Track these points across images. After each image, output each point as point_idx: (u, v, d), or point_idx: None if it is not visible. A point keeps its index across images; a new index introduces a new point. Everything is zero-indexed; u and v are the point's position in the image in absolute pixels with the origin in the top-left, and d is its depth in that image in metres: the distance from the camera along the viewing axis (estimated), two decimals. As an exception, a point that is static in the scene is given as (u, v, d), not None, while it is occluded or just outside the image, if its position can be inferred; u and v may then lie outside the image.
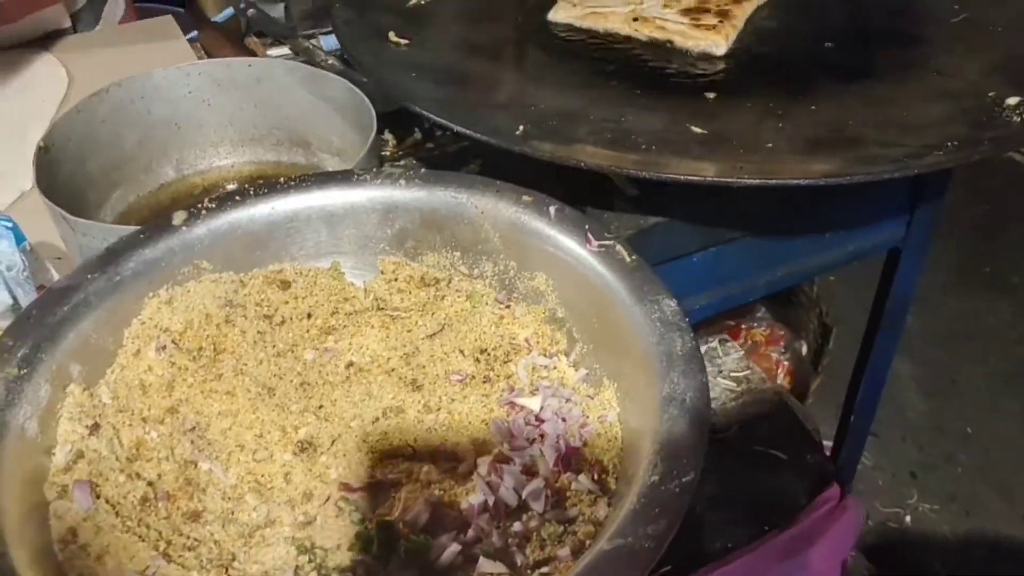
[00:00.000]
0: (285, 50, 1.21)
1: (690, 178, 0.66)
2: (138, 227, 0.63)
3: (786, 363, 1.83)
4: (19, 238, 0.63)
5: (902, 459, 2.10)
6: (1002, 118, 0.72)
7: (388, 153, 1.00)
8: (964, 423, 2.18)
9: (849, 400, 1.23)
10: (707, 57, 0.87)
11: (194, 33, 1.20)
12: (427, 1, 0.97)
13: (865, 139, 0.71)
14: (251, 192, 0.66)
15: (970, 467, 2.07)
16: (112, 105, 0.81)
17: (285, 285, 0.66)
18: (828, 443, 1.57)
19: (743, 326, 1.84)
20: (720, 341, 0.80)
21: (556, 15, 0.96)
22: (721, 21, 0.89)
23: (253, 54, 1.18)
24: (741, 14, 0.92)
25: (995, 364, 2.33)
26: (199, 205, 0.64)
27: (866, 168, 0.65)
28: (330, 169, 0.89)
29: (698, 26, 0.88)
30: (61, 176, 0.76)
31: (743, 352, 0.78)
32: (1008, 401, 2.23)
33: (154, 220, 0.63)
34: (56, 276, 0.70)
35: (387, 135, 1.00)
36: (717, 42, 0.86)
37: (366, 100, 0.79)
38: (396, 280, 0.67)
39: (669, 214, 0.80)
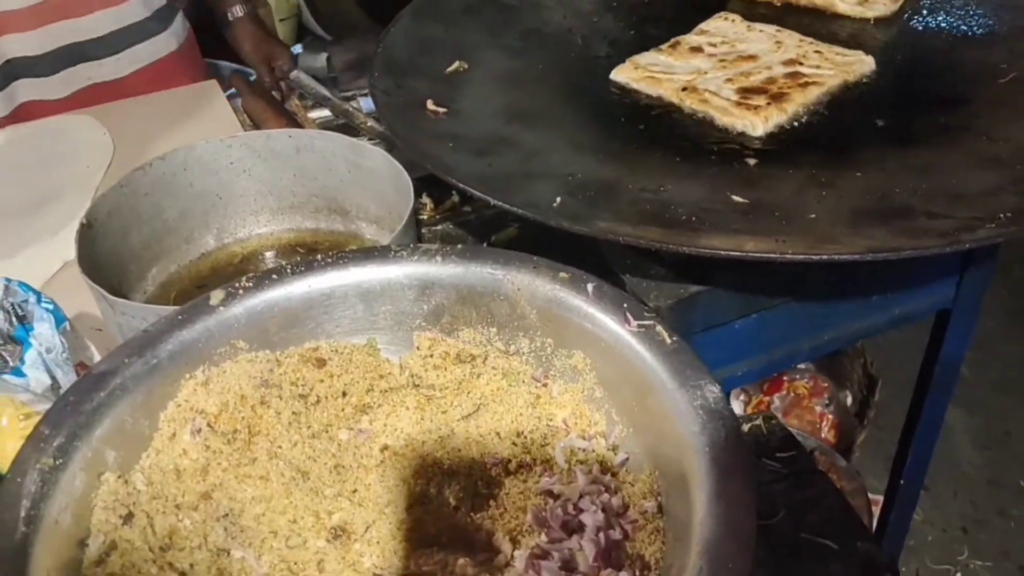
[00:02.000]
0: (325, 112, 1.23)
1: (731, 254, 0.64)
2: (176, 308, 0.63)
3: (830, 416, 1.79)
4: (59, 320, 0.64)
5: (954, 513, 2.03)
6: (1055, 186, 0.69)
7: (425, 216, 1.00)
8: (1018, 477, 2.11)
9: (899, 461, 1.19)
10: (745, 136, 0.85)
11: (231, 92, 1.22)
12: (465, 68, 0.98)
13: (913, 209, 0.69)
14: (288, 271, 0.66)
15: None
16: (155, 178, 0.82)
17: (320, 363, 0.65)
18: (877, 497, 1.52)
19: (785, 378, 1.81)
20: (764, 419, 0.78)
21: (618, 75, 0.96)
22: (769, 103, 0.86)
23: (294, 116, 1.20)
24: (799, 99, 0.87)
25: (1052, 414, 2.25)
26: (236, 284, 0.64)
27: (914, 242, 0.63)
28: (368, 236, 0.90)
29: (741, 104, 0.87)
30: (103, 251, 0.77)
31: (789, 432, 0.76)
32: (1065, 454, 2.14)
33: (192, 301, 0.64)
34: (95, 353, 0.70)
35: (425, 199, 1.01)
36: (754, 123, 0.84)
37: (403, 170, 0.79)
38: (432, 356, 0.67)
39: (711, 283, 0.79)
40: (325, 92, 1.22)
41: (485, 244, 0.95)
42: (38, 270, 0.91)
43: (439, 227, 0.98)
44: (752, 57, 0.95)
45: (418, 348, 0.67)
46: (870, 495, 1.68)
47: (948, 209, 0.68)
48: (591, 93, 0.95)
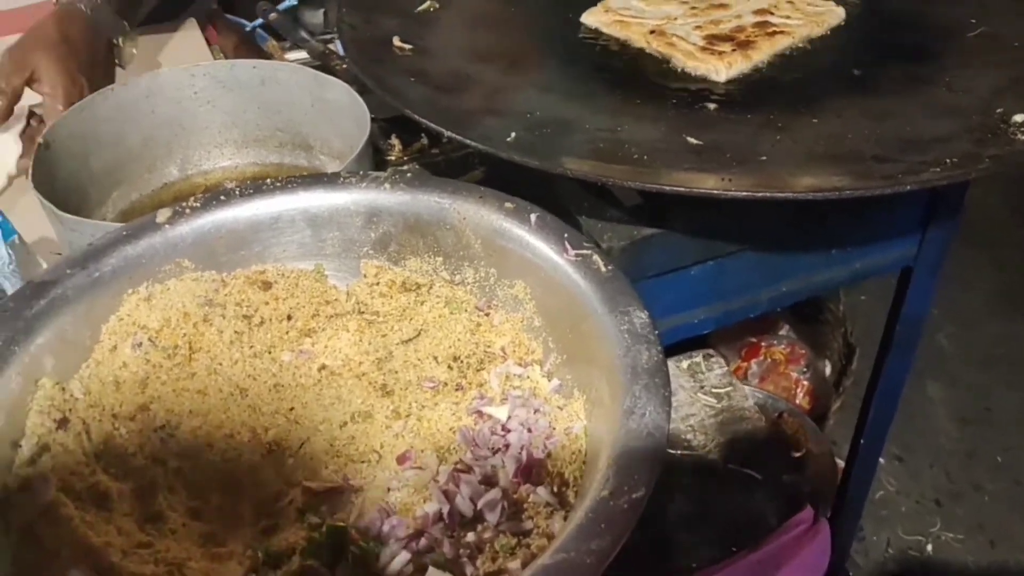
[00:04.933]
0: (303, 54, 1.22)
1: (675, 189, 0.64)
2: (122, 224, 0.64)
3: (806, 383, 1.79)
4: (7, 232, 0.64)
5: (928, 486, 2.04)
6: (1007, 135, 0.69)
7: (393, 157, 1.00)
8: (995, 452, 2.12)
9: (861, 421, 1.20)
10: (708, 80, 0.85)
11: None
12: (436, 8, 0.97)
13: (862, 154, 0.69)
14: (236, 192, 0.66)
15: (998, 496, 2.01)
16: (116, 104, 0.82)
17: (266, 286, 0.66)
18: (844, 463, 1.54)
19: (763, 344, 1.81)
20: (704, 356, 0.79)
21: (588, 18, 0.96)
22: (735, 50, 0.86)
23: (270, 57, 1.20)
24: (766, 48, 0.88)
25: (1032, 392, 2.26)
26: (184, 204, 0.65)
27: (856, 183, 0.63)
28: (329, 171, 0.90)
29: (706, 50, 0.86)
30: (62, 173, 0.77)
31: (727, 368, 0.76)
32: (1043, 430, 2.16)
33: (139, 218, 0.64)
34: (47, 271, 0.71)
35: (393, 139, 1.00)
36: (718, 68, 0.84)
37: (362, 102, 0.79)
38: (378, 284, 0.67)
39: (666, 225, 0.79)
40: (303, 33, 1.22)
41: (451, 186, 0.95)
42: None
43: (405, 167, 0.98)
44: (723, 5, 0.95)
45: (365, 276, 0.68)
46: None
47: (898, 154, 0.68)
48: (560, 36, 0.94)
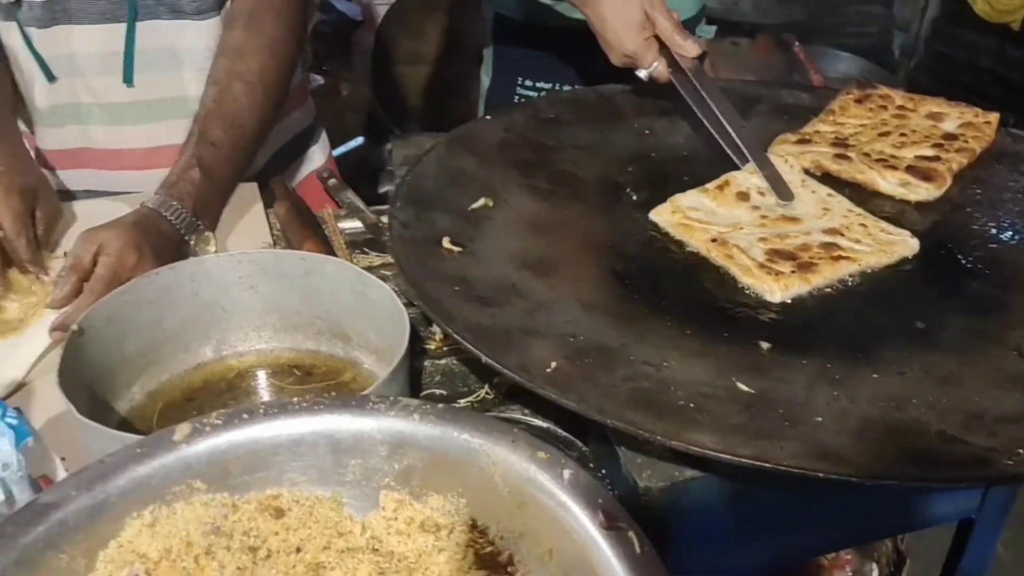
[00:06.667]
0: (356, 223, 1.23)
1: (720, 456, 0.60)
2: (138, 439, 0.61)
3: (851, 593, 1.68)
4: (21, 435, 0.62)
5: None
6: (1086, 420, 0.64)
7: (433, 346, 0.98)
8: None
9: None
10: (762, 301, 0.82)
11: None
12: (491, 206, 0.97)
13: (925, 428, 0.64)
14: (261, 411, 0.64)
15: None
16: (161, 287, 0.82)
17: (279, 513, 0.62)
18: None
19: (806, 545, 1.71)
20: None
21: (657, 215, 0.95)
22: (794, 272, 0.83)
23: (323, 225, 1.20)
24: (828, 273, 0.85)
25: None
26: (204, 420, 0.62)
27: (921, 473, 0.59)
28: (366, 365, 0.88)
29: (764, 267, 0.84)
30: (92, 356, 0.76)
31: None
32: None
33: (156, 432, 0.62)
34: (59, 468, 0.68)
35: (435, 328, 0.99)
36: (772, 289, 0.81)
37: (403, 310, 0.78)
38: (397, 520, 0.63)
39: (710, 469, 0.74)
40: (360, 204, 1.23)
41: (487, 386, 0.92)
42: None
43: (443, 361, 0.95)
44: (795, 219, 0.92)
45: (383, 508, 0.64)
46: None
47: (964, 432, 0.63)
48: (613, 245, 0.93)
